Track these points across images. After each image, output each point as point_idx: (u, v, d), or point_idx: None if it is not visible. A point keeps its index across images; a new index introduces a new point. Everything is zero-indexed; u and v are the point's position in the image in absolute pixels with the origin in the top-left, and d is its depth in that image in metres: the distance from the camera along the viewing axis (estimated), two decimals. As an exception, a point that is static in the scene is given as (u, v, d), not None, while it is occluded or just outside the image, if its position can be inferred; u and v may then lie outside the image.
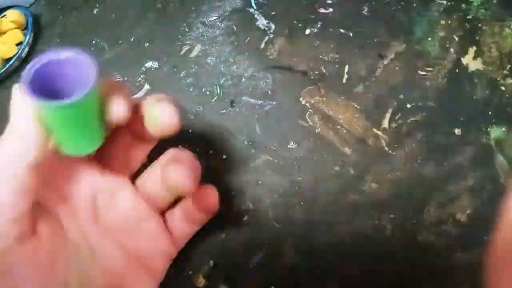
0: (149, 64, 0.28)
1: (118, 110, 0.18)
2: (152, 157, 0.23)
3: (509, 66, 0.26)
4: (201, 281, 0.25)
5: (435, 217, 0.25)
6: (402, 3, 0.27)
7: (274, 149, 0.26)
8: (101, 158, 0.21)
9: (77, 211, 0.20)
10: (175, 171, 0.20)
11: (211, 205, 0.22)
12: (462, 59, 0.26)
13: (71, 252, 0.20)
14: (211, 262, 0.25)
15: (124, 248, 0.21)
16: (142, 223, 0.22)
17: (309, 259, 0.25)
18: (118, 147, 0.21)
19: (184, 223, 0.23)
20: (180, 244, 0.23)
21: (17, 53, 0.28)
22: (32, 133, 0.17)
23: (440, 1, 0.27)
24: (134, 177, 0.22)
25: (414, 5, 0.27)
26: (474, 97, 0.26)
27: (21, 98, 0.16)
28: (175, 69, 0.28)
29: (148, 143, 0.22)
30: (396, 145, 0.26)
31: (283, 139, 0.26)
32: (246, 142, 0.26)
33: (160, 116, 0.19)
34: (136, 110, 0.19)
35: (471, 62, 0.26)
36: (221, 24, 0.28)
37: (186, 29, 0.28)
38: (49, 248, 0.19)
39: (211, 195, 0.22)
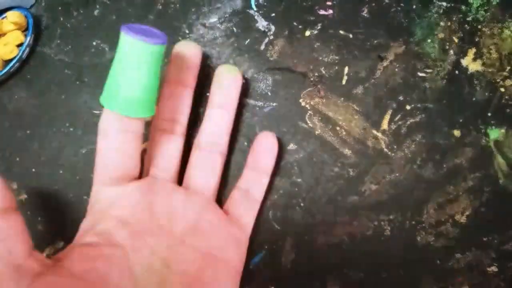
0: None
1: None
2: (188, 151, 0.25)
3: (509, 67, 0.26)
4: (201, 281, 0.25)
5: (435, 218, 0.25)
6: (402, 4, 0.27)
7: (274, 150, 0.26)
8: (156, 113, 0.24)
9: (140, 232, 0.21)
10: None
11: (270, 145, 0.24)
12: (462, 61, 0.26)
13: (138, 270, 0.20)
14: (211, 263, 0.25)
15: (194, 248, 0.22)
16: (202, 217, 0.22)
17: (309, 260, 0.25)
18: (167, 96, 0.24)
19: (244, 199, 0.24)
20: (248, 227, 0.24)
21: (17, 55, 0.28)
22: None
23: (439, 3, 0.27)
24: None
25: (414, 6, 0.27)
26: (474, 99, 0.26)
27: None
28: (175, 71, 0.28)
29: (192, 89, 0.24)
30: (395, 147, 0.26)
31: (282, 140, 0.26)
32: (246, 143, 0.27)
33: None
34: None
35: (471, 63, 0.26)
36: (221, 26, 0.28)
37: (186, 31, 0.28)
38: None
39: (269, 135, 0.24)
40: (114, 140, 0.21)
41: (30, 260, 0.18)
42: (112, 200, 0.21)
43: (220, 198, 0.26)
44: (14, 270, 0.17)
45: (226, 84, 0.24)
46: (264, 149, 0.24)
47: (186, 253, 0.21)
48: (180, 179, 0.25)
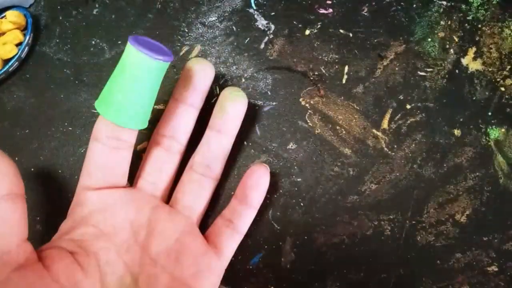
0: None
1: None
2: (181, 170, 0.24)
3: (509, 67, 0.26)
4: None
5: (435, 217, 0.25)
6: (402, 3, 0.27)
7: (274, 149, 0.26)
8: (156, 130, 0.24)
9: (116, 245, 0.21)
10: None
11: (261, 181, 0.23)
12: (462, 60, 0.26)
13: (109, 283, 0.20)
14: (211, 262, 0.25)
15: (167, 271, 0.21)
16: (181, 240, 0.22)
17: (309, 259, 0.25)
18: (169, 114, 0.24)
19: (227, 229, 0.23)
20: (226, 257, 0.23)
21: (17, 54, 0.28)
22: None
23: (440, 2, 0.27)
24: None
25: (414, 5, 0.27)
26: (474, 98, 0.26)
27: None
28: (174, 70, 0.28)
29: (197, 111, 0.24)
30: (395, 146, 0.26)
31: (282, 139, 0.26)
32: (245, 143, 0.26)
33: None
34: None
35: (471, 63, 0.26)
36: (220, 25, 0.28)
37: (186, 30, 0.28)
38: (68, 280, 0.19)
39: (261, 170, 0.23)
40: (104, 147, 0.21)
41: (18, 250, 0.18)
42: (93, 207, 0.21)
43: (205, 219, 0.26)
44: (1, 256, 0.17)
45: (230, 110, 0.23)
46: (254, 184, 0.23)
47: (157, 275, 0.21)
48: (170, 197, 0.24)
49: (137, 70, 0.19)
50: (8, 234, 0.17)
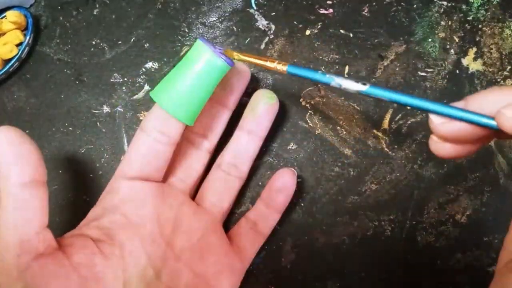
0: (149, 64, 0.28)
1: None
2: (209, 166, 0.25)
3: (509, 67, 0.26)
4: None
5: (435, 218, 0.25)
6: (403, 4, 0.27)
7: (274, 150, 0.26)
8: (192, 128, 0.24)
9: (142, 236, 0.21)
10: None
11: (288, 185, 0.23)
12: (463, 60, 0.26)
13: (131, 274, 0.20)
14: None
15: (189, 267, 0.21)
16: (205, 237, 0.22)
17: (309, 259, 0.25)
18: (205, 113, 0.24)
19: (251, 232, 0.23)
20: (248, 258, 0.23)
21: (17, 54, 0.28)
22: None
23: (440, 2, 0.27)
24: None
25: (415, 6, 0.27)
26: (474, 98, 0.26)
27: None
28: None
29: (229, 110, 0.24)
30: (396, 146, 0.26)
31: (283, 140, 0.26)
32: (246, 143, 0.26)
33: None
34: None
35: (471, 63, 0.26)
36: (221, 25, 0.28)
37: (186, 30, 0.28)
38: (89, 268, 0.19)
39: (288, 174, 0.23)
40: (149, 138, 0.21)
41: (38, 238, 0.18)
42: (125, 196, 0.21)
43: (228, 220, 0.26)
44: (20, 243, 0.17)
45: (261, 112, 0.24)
46: (281, 187, 0.24)
47: (180, 270, 0.21)
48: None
49: (202, 65, 0.20)
50: (29, 221, 0.18)
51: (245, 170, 0.24)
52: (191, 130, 0.24)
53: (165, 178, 0.23)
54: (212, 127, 0.24)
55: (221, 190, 0.24)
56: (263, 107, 0.24)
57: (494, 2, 0.26)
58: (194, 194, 0.25)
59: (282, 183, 0.23)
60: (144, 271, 0.20)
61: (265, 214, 0.24)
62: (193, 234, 0.22)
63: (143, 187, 0.21)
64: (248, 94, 0.25)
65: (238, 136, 0.24)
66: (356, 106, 0.26)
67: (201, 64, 0.20)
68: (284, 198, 0.24)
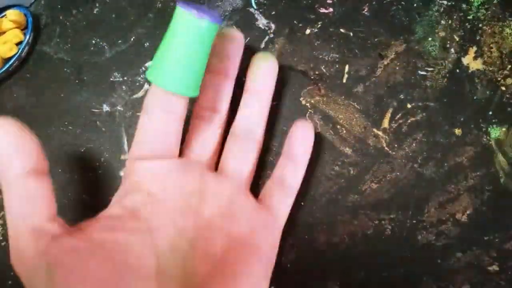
0: (149, 63, 0.28)
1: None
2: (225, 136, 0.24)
3: (509, 66, 0.26)
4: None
5: (435, 217, 0.25)
6: (403, 3, 0.27)
7: (275, 149, 0.26)
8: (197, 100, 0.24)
9: (168, 211, 0.21)
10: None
11: (307, 135, 0.23)
12: (463, 59, 0.26)
13: (163, 248, 0.20)
14: (211, 262, 0.25)
15: (222, 231, 0.21)
16: (233, 201, 0.22)
17: (309, 259, 0.25)
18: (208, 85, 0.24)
19: (279, 188, 0.23)
20: (282, 216, 0.23)
21: (17, 53, 0.28)
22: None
23: (440, 1, 0.27)
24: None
25: (415, 5, 0.27)
26: (475, 97, 0.26)
27: None
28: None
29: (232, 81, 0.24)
30: (396, 145, 0.26)
31: (283, 139, 0.26)
32: (246, 142, 0.26)
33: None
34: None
35: (472, 62, 0.26)
36: (221, 24, 0.28)
37: (186, 29, 0.28)
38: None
39: (305, 124, 0.24)
40: (156, 118, 0.21)
41: (51, 224, 0.18)
42: (144, 174, 0.21)
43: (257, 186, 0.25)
44: (34, 230, 0.17)
45: (262, 71, 0.24)
46: (300, 138, 0.23)
47: (213, 236, 0.21)
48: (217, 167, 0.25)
49: (186, 31, 0.19)
50: (36, 210, 0.18)
51: (260, 132, 0.24)
52: (199, 105, 0.24)
53: (182, 155, 0.23)
54: (218, 98, 0.24)
55: (240, 156, 0.23)
56: (264, 63, 0.24)
57: (494, 1, 0.26)
58: (215, 167, 0.24)
59: (301, 134, 0.23)
60: (176, 243, 0.20)
61: (290, 168, 0.24)
62: (220, 201, 0.22)
63: (160, 164, 0.21)
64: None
65: (246, 99, 0.24)
66: (356, 105, 0.26)
67: (185, 31, 0.19)
68: (305, 148, 0.24)
